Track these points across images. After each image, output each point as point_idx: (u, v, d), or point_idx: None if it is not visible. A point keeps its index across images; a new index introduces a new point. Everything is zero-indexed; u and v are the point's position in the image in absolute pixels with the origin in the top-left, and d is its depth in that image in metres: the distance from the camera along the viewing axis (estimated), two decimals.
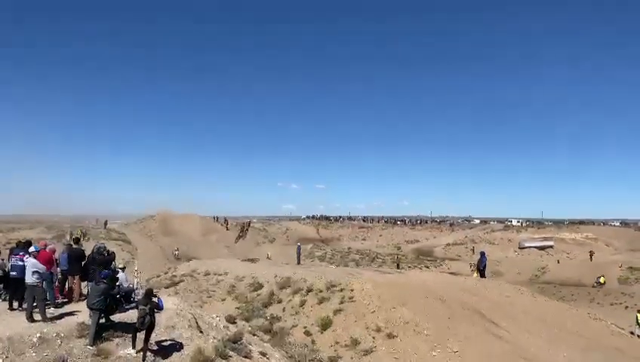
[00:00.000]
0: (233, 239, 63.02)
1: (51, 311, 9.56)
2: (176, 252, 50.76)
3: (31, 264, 8.99)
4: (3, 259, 11.29)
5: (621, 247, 63.09)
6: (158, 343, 9.14)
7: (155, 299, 8.61)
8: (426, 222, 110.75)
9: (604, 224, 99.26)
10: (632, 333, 18.43)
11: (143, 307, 8.34)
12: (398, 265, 44.87)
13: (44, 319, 8.86)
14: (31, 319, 8.81)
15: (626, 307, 31.44)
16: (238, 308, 18.05)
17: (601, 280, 40.09)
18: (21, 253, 9.71)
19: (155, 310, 8.52)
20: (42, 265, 9.18)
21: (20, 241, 11.43)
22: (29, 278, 8.90)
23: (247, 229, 69.96)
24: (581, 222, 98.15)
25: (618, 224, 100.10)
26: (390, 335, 13.65)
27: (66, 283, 11.19)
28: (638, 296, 33.80)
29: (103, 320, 9.04)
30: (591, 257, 51.83)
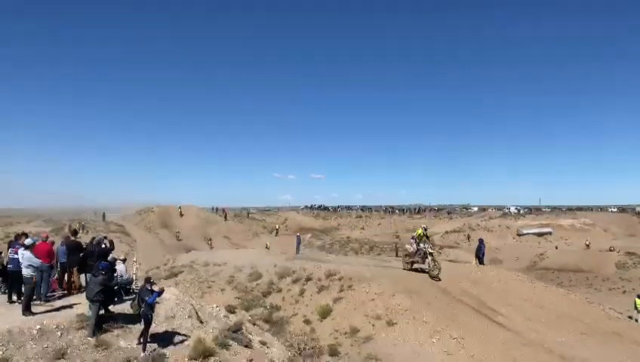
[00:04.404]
0: (232, 230, 62.85)
1: (41, 303, 9.60)
2: (178, 233, 53.45)
3: (26, 257, 8.95)
4: (1, 253, 11.25)
5: (619, 233, 63.47)
6: (158, 333, 9.17)
7: (148, 287, 8.60)
8: (424, 211, 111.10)
9: (601, 210, 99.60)
10: (630, 318, 18.53)
11: (137, 292, 8.65)
12: (397, 253, 44.90)
13: (25, 313, 8.76)
14: (29, 312, 8.80)
15: (624, 292, 31.75)
16: (237, 298, 18.09)
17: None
18: (16, 247, 9.70)
19: (145, 300, 8.45)
20: (37, 259, 9.13)
21: (18, 234, 11.38)
22: (24, 271, 8.89)
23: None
24: (579, 209, 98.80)
25: (615, 210, 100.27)
26: (390, 323, 13.69)
27: (65, 276, 11.18)
28: (635, 281, 34.11)
29: (102, 312, 9.05)
30: (587, 246, 51.99)
